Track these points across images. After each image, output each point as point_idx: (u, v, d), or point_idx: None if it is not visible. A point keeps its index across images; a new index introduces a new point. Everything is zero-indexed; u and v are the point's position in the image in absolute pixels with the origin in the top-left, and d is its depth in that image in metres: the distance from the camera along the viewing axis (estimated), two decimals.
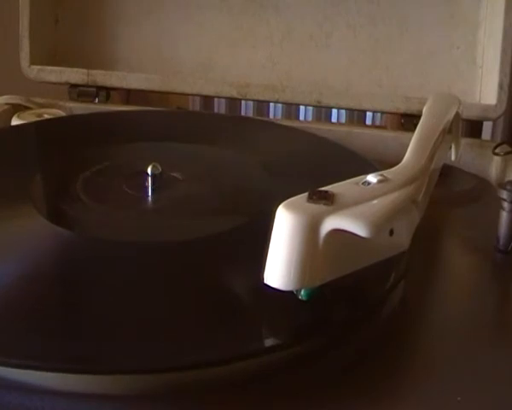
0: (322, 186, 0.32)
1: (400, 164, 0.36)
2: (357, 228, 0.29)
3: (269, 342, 0.30)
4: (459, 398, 0.29)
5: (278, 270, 0.30)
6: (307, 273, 0.30)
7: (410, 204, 0.34)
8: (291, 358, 0.30)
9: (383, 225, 0.31)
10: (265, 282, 0.30)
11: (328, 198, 0.31)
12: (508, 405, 0.30)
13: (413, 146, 0.38)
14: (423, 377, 0.31)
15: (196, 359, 0.29)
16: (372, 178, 0.33)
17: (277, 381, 0.30)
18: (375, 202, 0.32)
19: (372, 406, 0.29)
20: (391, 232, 0.32)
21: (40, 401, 0.28)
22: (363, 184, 0.33)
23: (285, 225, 0.30)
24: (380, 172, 0.34)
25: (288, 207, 0.30)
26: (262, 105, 1.08)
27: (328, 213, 0.30)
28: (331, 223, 0.30)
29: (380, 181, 0.33)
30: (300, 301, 0.31)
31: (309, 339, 0.31)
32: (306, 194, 0.31)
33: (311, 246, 0.30)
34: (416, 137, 0.40)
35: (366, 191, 0.32)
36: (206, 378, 0.29)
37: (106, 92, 0.65)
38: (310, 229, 0.29)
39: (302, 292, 0.31)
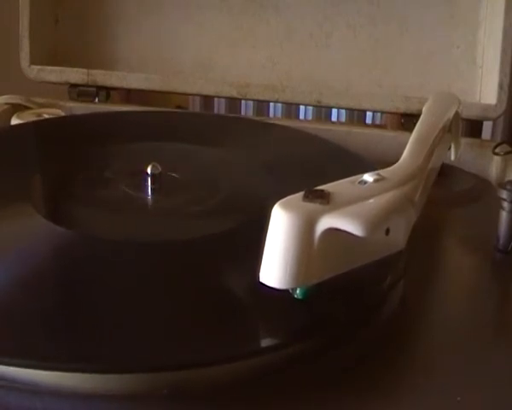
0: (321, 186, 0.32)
1: (397, 163, 0.36)
2: (353, 227, 0.29)
3: (264, 343, 0.30)
4: (459, 398, 0.29)
5: (273, 269, 0.30)
6: (302, 272, 0.30)
7: (407, 203, 0.34)
8: (289, 357, 0.30)
9: (379, 224, 0.31)
10: (261, 280, 0.30)
11: (323, 197, 0.31)
12: (508, 405, 0.30)
13: (411, 145, 0.38)
14: (423, 377, 0.31)
15: (195, 358, 0.29)
16: (368, 177, 0.33)
17: (277, 380, 0.30)
18: (371, 201, 0.32)
19: (372, 406, 0.29)
20: (387, 231, 0.32)
21: (40, 402, 0.28)
22: (359, 183, 0.33)
23: (280, 224, 0.30)
24: (376, 172, 0.34)
25: (283, 206, 0.30)
26: (262, 105, 1.08)
27: (324, 213, 0.30)
28: (327, 222, 0.30)
29: (376, 180, 0.33)
30: (296, 300, 0.31)
31: (305, 340, 0.31)
32: (302, 193, 0.31)
33: (307, 245, 0.29)
34: (414, 136, 0.40)
35: (362, 190, 0.32)
36: (204, 378, 0.29)
37: (106, 92, 0.65)
38: (305, 228, 0.29)
39: (298, 291, 0.31)
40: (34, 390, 0.28)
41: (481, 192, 0.50)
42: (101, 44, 0.68)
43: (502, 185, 0.40)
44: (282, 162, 0.47)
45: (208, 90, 0.63)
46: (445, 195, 0.48)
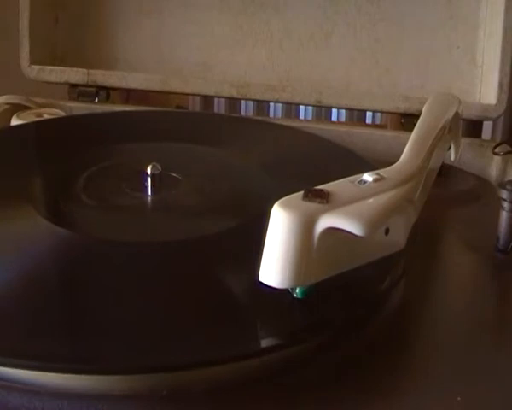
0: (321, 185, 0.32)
1: (397, 163, 0.36)
2: (352, 227, 0.29)
3: (264, 343, 0.30)
4: (459, 398, 0.29)
5: (273, 268, 0.30)
6: (302, 271, 0.30)
7: (406, 203, 0.34)
8: (289, 358, 0.30)
9: (378, 224, 0.31)
10: (260, 280, 0.30)
11: (323, 196, 0.31)
12: (508, 405, 0.30)
13: (410, 145, 0.38)
14: (423, 377, 0.31)
15: (194, 360, 0.29)
16: (368, 176, 0.33)
17: (277, 381, 0.30)
18: (370, 200, 0.32)
19: (372, 406, 0.29)
20: (386, 231, 0.32)
21: (39, 402, 0.28)
22: (358, 182, 0.33)
23: (280, 224, 0.30)
24: (376, 171, 0.34)
25: (283, 206, 0.30)
26: (262, 105, 1.08)
27: (323, 212, 0.30)
28: (326, 221, 0.30)
29: (376, 180, 0.33)
30: (296, 299, 0.31)
31: (305, 340, 0.31)
32: (302, 192, 0.31)
33: (306, 244, 0.30)
34: (413, 136, 0.40)
35: (362, 190, 0.32)
36: (204, 379, 0.29)
37: (106, 92, 0.65)
38: (305, 227, 0.29)
39: (297, 290, 0.31)
40: (34, 390, 0.28)
41: (481, 192, 0.50)
42: (101, 44, 0.68)
43: (502, 185, 0.40)
44: (282, 162, 0.47)
45: (208, 90, 0.63)
46: (445, 195, 0.48)
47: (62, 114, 0.59)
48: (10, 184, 0.43)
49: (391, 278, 0.34)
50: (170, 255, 0.36)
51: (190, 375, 0.29)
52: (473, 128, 0.69)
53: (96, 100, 0.65)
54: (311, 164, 0.47)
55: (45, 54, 0.66)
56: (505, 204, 0.40)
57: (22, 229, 0.38)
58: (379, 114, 1.05)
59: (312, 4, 0.64)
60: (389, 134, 0.58)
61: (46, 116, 0.57)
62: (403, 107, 0.59)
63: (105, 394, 0.28)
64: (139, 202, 0.42)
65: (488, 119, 0.59)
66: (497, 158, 0.54)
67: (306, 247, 0.30)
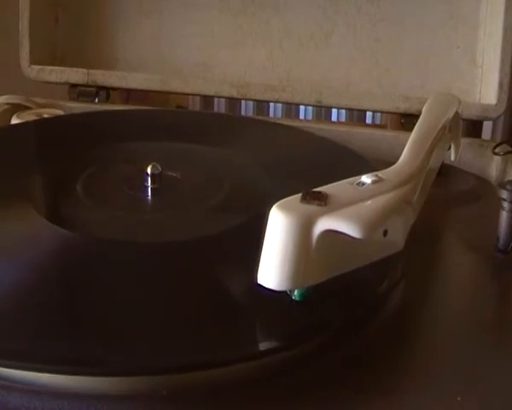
0: (322, 186, 0.32)
1: (396, 164, 0.36)
2: (350, 229, 0.29)
3: (263, 346, 0.30)
4: (459, 398, 0.29)
5: (271, 270, 0.30)
6: (300, 274, 0.30)
7: (405, 204, 0.34)
8: (289, 359, 0.30)
9: (376, 226, 0.31)
10: (259, 282, 0.30)
11: (321, 199, 0.31)
12: (508, 405, 0.30)
13: (409, 146, 0.38)
14: (423, 377, 0.31)
15: (194, 361, 0.29)
16: (366, 178, 0.33)
17: (277, 382, 0.30)
18: (368, 202, 0.31)
19: (372, 406, 0.29)
20: (385, 233, 0.32)
21: (39, 402, 0.28)
22: (357, 184, 0.33)
23: (278, 226, 0.30)
24: (374, 173, 0.34)
25: (281, 208, 0.30)
26: (262, 105, 1.08)
27: (322, 214, 0.30)
28: (324, 224, 0.30)
29: (374, 181, 0.33)
30: (294, 301, 0.31)
31: (305, 341, 0.31)
32: (300, 194, 0.31)
33: (304, 246, 0.30)
34: (413, 136, 0.40)
35: (360, 192, 0.32)
36: (204, 380, 0.29)
37: (106, 92, 0.65)
38: (303, 230, 0.29)
39: (295, 292, 0.31)
40: (34, 390, 0.28)
41: (481, 192, 0.50)
42: (101, 44, 0.68)
43: (502, 185, 0.40)
44: (282, 162, 0.47)
45: (208, 90, 0.63)
46: (445, 195, 0.48)
47: (62, 113, 0.59)
48: (10, 184, 0.43)
49: (390, 279, 0.34)
50: (170, 255, 0.36)
51: (190, 375, 0.29)
52: (473, 128, 0.69)
53: (96, 100, 0.65)
54: (311, 164, 0.47)
55: (45, 54, 0.66)
56: (505, 204, 0.40)
57: (22, 229, 0.38)
58: (379, 114, 1.05)
59: (312, 4, 0.64)
60: (389, 134, 0.58)
61: (46, 116, 0.57)
62: (403, 107, 0.59)
63: (105, 394, 0.28)
64: (139, 201, 0.42)
65: (488, 119, 0.59)
66: (497, 158, 0.54)
67: (305, 249, 0.30)
